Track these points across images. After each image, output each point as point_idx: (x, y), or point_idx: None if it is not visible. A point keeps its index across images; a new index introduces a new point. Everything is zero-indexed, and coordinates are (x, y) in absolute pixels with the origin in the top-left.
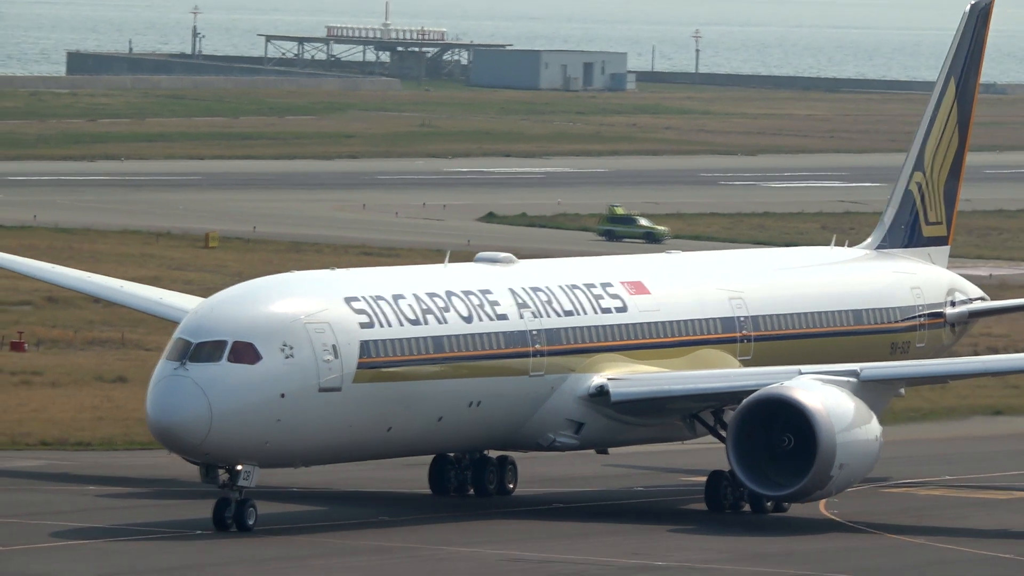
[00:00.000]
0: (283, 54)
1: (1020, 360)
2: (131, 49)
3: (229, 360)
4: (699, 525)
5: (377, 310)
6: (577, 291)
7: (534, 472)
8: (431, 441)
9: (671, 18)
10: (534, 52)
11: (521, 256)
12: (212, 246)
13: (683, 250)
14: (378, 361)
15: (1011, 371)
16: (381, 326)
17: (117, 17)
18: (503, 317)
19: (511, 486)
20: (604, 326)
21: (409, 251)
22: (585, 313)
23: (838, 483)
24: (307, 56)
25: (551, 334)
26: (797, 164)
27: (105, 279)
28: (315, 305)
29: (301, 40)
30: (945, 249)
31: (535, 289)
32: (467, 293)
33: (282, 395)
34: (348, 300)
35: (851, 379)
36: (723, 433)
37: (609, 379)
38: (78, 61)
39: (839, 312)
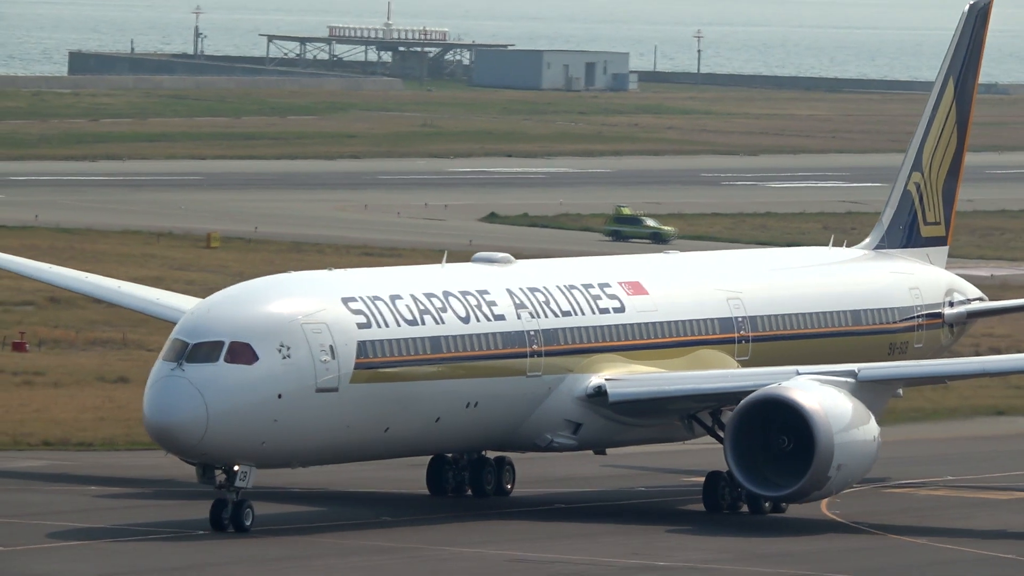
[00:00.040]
0: (285, 54)
1: (1018, 360)
2: (133, 49)
3: (226, 360)
4: (700, 525)
5: (374, 310)
6: (575, 291)
7: (534, 472)
8: (429, 442)
9: (673, 18)
10: (536, 52)
11: (523, 256)
12: (214, 246)
13: (685, 250)
14: (375, 361)
15: (1009, 371)
16: (378, 326)
17: (119, 17)
18: (501, 317)
19: (509, 487)
20: (602, 326)
21: (411, 251)
22: (583, 313)
23: (836, 484)
24: (309, 56)
25: (549, 334)
26: (799, 164)
27: (103, 279)
28: (312, 305)
29: (303, 40)
30: (944, 249)
31: (533, 289)
32: (464, 293)
33: (279, 396)
34: (345, 301)
35: (849, 379)
36: (721, 433)
37: (607, 379)
38: (80, 61)
39: (837, 312)
